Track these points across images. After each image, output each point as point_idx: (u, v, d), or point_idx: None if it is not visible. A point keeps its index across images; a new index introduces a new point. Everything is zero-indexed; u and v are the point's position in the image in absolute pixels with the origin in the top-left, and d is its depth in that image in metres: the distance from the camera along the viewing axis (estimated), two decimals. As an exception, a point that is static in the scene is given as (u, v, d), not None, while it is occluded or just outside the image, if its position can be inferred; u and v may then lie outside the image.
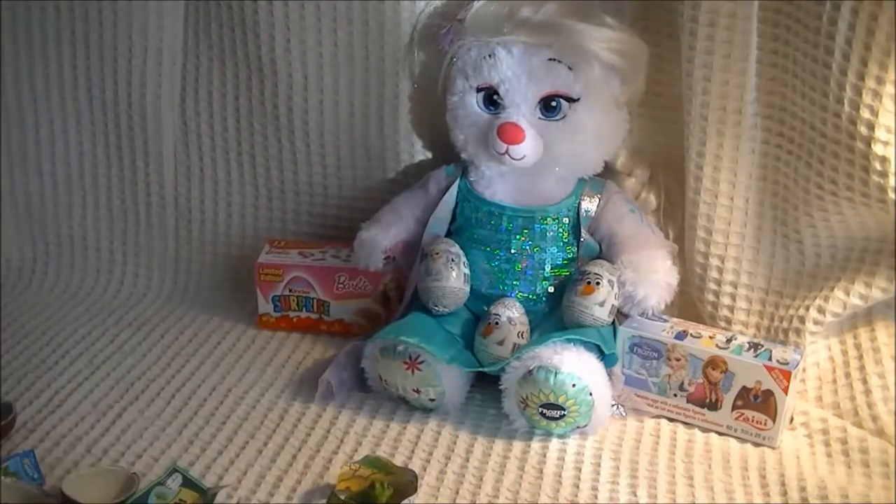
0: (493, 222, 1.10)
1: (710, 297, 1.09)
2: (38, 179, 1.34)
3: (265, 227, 1.31)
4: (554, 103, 1.05)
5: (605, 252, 1.09)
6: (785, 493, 0.93)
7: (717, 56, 1.00)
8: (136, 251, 1.35)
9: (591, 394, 0.98)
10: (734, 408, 1.00)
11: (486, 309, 1.06)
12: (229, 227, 1.32)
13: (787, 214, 1.03)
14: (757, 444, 1.00)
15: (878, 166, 0.91)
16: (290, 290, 1.20)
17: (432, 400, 1.03)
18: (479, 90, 1.08)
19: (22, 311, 1.27)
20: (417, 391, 1.03)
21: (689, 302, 1.09)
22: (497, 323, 1.03)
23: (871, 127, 0.90)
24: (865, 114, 0.90)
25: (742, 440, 1.01)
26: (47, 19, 1.28)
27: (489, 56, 1.06)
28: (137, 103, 1.28)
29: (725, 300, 1.08)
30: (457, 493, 0.93)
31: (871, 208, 0.95)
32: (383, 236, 1.13)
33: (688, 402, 1.02)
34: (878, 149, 0.90)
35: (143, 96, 1.28)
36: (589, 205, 1.09)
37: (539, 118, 1.06)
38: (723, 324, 1.09)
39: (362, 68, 1.20)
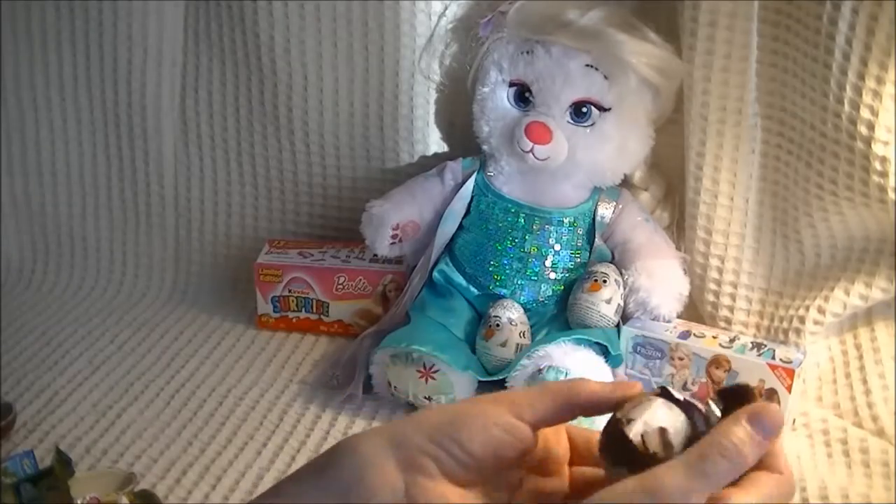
0: (508, 219, 1.10)
1: (710, 298, 1.09)
2: (38, 179, 1.34)
3: (265, 227, 1.31)
4: (585, 109, 1.05)
5: (617, 259, 1.09)
6: (785, 494, 0.93)
7: (717, 56, 1.00)
8: (136, 251, 1.35)
9: None
10: (737, 407, 1.00)
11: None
12: (229, 227, 1.32)
13: (787, 214, 1.03)
14: (758, 444, 1.00)
15: (878, 166, 0.91)
16: (290, 291, 1.20)
17: None
18: (511, 85, 1.08)
19: (22, 311, 1.27)
20: (429, 398, 1.03)
21: (689, 302, 1.08)
22: (498, 325, 1.03)
23: (871, 127, 0.90)
24: (865, 114, 0.90)
25: (743, 440, 1.00)
26: (47, 19, 1.27)
27: (527, 52, 1.06)
28: (137, 103, 1.28)
29: (725, 300, 1.08)
30: (456, 493, 0.93)
31: (871, 208, 0.95)
32: (395, 212, 1.12)
33: (690, 402, 1.02)
34: (878, 149, 0.90)
35: (143, 96, 1.28)
36: (605, 211, 1.09)
37: (568, 122, 1.06)
38: (722, 324, 1.08)
39: (362, 68, 1.19)
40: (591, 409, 0.52)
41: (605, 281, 1.04)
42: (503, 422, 0.51)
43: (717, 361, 1.00)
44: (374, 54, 1.18)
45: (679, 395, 0.51)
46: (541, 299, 1.09)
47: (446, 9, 1.15)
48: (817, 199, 0.98)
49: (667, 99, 1.08)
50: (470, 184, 1.12)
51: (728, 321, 1.08)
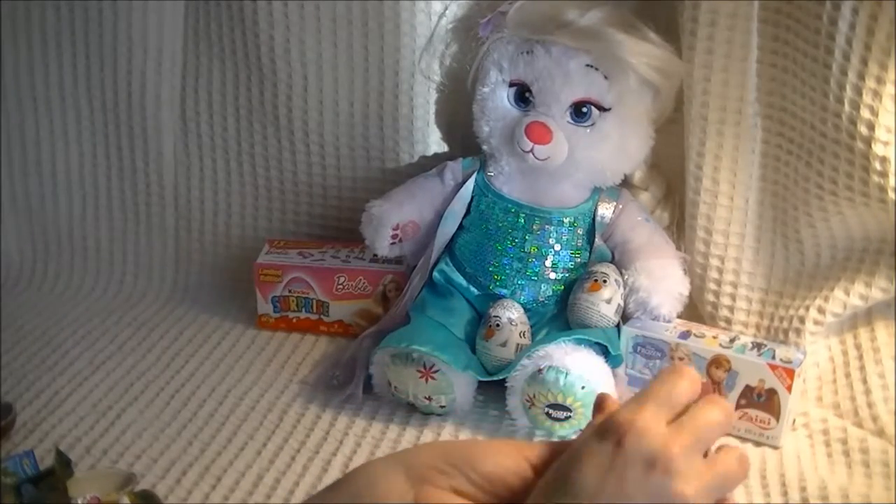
0: (508, 219, 1.10)
1: (710, 298, 1.09)
2: (38, 179, 1.34)
3: (265, 227, 1.31)
4: (585, 109, 1.05)
5: (617, 259, 1.09)
6: (785, 493, 0.93)
7: (717, 56, 1.00)
8: (136, 251, 1.35)
9: None
10: (738, 407, 1.00)
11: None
12: (229, 227, 1.32)
13: (787, 214, 1.03)
14: (759, 444, 1.00)
15: (878, 166, 0.91)
16: (290, 291, 1.20)
17: (443, 406, 1.03)
18: (511, 85, 1.08)
19: (22, 311, 1.27)
20: (429, 398, 1.03)
21: (689, 302, 1.08)
22: (498, 325, 1.03)
23: (871, 127, 0.90)
24: (865, 114, 0.90)
25: (743, 440, 1.00)
26: (47, 19, 1.27)
27: (527, 52, 1.06)
28: (137, 103, 1.28)
29: (725, 300, 1.08)
30: (456, 493, 0.93)
31: (871, 208, 0.95)
32: (395, 212, 1.13)
33: (690, 402, 1.02)
34: (878, 149, 0.90)
35: (143, 96, 1.28)
36: (605, 210, 1.09)
37: (568, 122, 1.06)
38: (722, 324, 1.08)
39: (362, 68, 1.19)
40: None
41: (605, 281, 1.04)
42: (508, 449, 0.55)
43: (717, 361, 1.00)
44: (374, 54, 1.18)
45: None
46: (541, 299, 1.09)
47: (446, 9, 1.15)
48: (817, 199, 0.98)
49: (667, 99, 1.08)
50: (470, 184, 1.12)
51: (728, 321, 1.08)
